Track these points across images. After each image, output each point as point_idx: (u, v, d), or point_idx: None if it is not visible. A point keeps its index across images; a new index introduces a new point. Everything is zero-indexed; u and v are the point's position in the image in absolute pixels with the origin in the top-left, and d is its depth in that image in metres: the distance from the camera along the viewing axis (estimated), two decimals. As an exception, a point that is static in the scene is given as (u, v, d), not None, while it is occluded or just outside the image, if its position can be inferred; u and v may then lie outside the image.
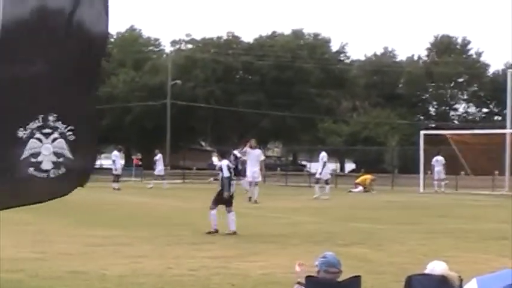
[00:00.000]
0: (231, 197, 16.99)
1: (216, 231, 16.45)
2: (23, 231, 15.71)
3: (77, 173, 7.06)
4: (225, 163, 17.24)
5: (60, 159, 6.91)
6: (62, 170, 6.92)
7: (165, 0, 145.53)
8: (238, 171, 35.71)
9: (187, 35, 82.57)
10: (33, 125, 6.79)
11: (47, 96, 6.86)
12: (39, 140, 6.85)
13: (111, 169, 38.91)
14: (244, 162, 33.64)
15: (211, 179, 37.37)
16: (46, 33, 6.88)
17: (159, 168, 41.58)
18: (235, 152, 38.65)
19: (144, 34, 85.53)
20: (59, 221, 17.67)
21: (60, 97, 6.92)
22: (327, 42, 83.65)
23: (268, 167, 40.65)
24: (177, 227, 17.58)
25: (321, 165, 32.84)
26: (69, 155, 6.95)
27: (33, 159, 6.80)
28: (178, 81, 73.46)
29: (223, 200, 16.82)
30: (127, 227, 17.43)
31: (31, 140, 6.81)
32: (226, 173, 16.87)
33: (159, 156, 42.05)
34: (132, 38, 79.53)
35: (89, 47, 7.07)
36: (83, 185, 7.30)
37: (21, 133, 6.77)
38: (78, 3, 7.08)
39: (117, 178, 37.94)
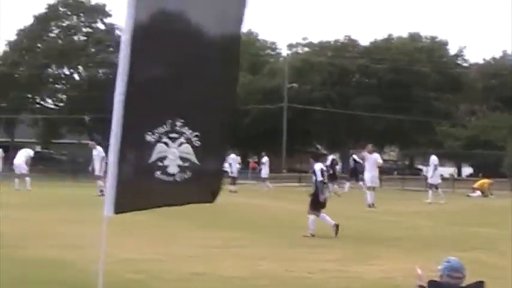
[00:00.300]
0: (325, 200, 16.97)
1: (313, 235, 16.40)
2: (145, 233, 16.14)
3: (204, 178, 7.24)
4: (318, 167, 17.16)
5: (186, 164, 7.11)
6: (188, 175, 7.12)
7: (282, 4, 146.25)
8: (334, 175, 36.01)
9: (303, 39, 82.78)
10: (161, 129, 7.03)
11: (175, 102, 7.08)
12: (166, 144, 7.08)
13: (227, 172, 39.51)
14: (361, 167, 33.47)
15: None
16: (173, 38, 7.10)
17: (264, 171, 42.35)
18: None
19: (260, 37, 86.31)
20: (180, 223, 18.04)
21: (188, 103, 7.11)
22: (444, 45, 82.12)
23: (384, 171, 40.35)
24: (293, 229, 17.68)
25: (432, 169, 32.18)
26: (194, 160, 7.14)
27: (160, 163, 7.04)
28: (295, 85, 73.71)
29: (321, 204, 16.80)
30: (245, 229, 17.65)
31: (158, 144, 7.05)
32: (319, 177, 16.86)
33: (265, 160, 43.23)
34: (249, 41, 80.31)
35: (219, 51, 7.24)
36: (217, 193, 7.45)
37: (149, 137, 7.02)
38: (205, 8, 7.27)
39: (233, 181, 38.52)
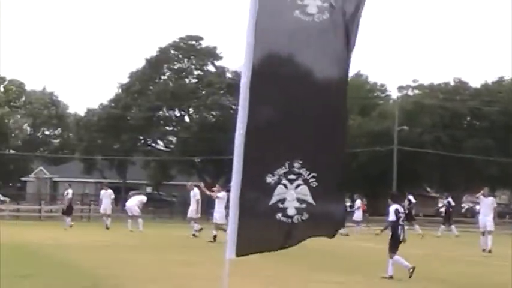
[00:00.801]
0: (400, 242, 16.84)
1: (391, 277, 16.31)
2: (256, 275, 16.16)
3: (320, 220, 7.22)
4: (393, 208, 17.07)
5: (303, 206, 7.12)
6: (305, 216, 7.12)
7: (392, 46, 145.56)
8: (411, 216, 35.69)
9: (414, 81, 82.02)
10: (280, 171, 7.07)
11: (293, 143, 7.12)
12: (285, 186, 7.11)
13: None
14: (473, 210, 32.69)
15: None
16: (286, 80, 7.18)
17: (357, 214, 43.01)
18: (410, 196, 38.44)
19: (370, 80, 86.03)
20: (292, 265, 17.99)
21: (305, 144, 7.15)
22: (558, 86, 79.72)
23: (496, 215, 39.37)
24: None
25: None
26: (311, 201, 7.14)
27: (280, 205, 7.07)
28: (405, 127, 72.94)
29: (397, 243, 16.75)
30: (357, 273, 17.44)
31: (278, 186, 7.09)
32: (392, 218, 16.86)
33: (358, 203, 43.54)
34: (358, 83, 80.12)
35: (332, 91, 7.27)
36: (334, 234, 7.42)
37: (269, 179, 7.06)
38: (316, 50, 7.34)
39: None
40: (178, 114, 77.39)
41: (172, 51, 76.54)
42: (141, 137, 77.11)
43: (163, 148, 78.74)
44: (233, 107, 72.75)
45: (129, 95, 75.55)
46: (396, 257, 16.67)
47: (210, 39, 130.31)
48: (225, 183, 77.07)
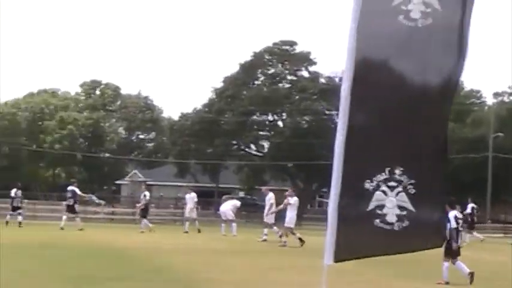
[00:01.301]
0: (459, 248, 16.89)
1: (447, 283, 16.40)
2: (351, 282, 16.06)
3: (422, 227, 7.15)
4: (452, 214, 17.04)
5: (404, 213, 7.06)
6: (406, 223, 7.06)
7: (488, 53, 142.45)
8: (473, 223, 34.81)
9: (510, 87, 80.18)
10: (380, 177, 7.03)
11: (394, 150, 7.07)
12: (384, 192, 7.06)
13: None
14: None
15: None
16: (386, 85, 7.11)
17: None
18: (472, 204, 37.39)
19: (465, 86, 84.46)
20: (381, 271, 17.81)
21: (406, 150, 7.08)
22: None
23: None
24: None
25: None
26: (411, 208, 7.08)
27: (379, 211, 7.03)
28: (501, 134, 71.32)
29: (454, 251, 16.75)
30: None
31: (377, 192, 7.05)
32: (453, 224, 16.81)
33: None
34: (454, 90, 78.61)
35: (434, 99, 7.16)
36: (439, 244, 7.35)
37: (368, 185, 7.03)
38: (418, 56, 7.25)
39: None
40: (272, 119, 77.64)
41: (266, 56, 76.88)
42: (234, 142, 77.66)
43: (256, 153, 79.13)
44: (326, 112, 72.58)
45: (223, 100, 76.23)
46: (457, 262, 16.85)
47: (304, 44, 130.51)
48: (317, 188, 77.18)
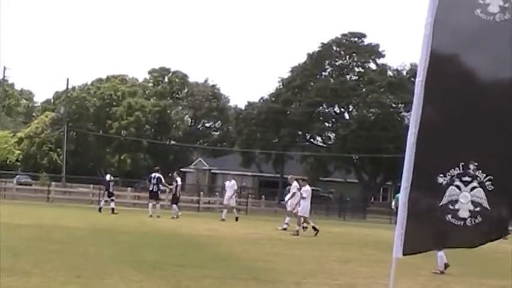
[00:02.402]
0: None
1: (442, 272, 16.68)
2: (416, 275, 15.98)
3: (492, 224, 7.09)
4: None
5: (477, 209, 7.00)
6: (478, 220, 7.00)
7: None
8: None
9: None
10: (454, 172, 6.97)
11: (470, 143, 7.01)
12: (458, 187, 7.01)
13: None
14: None
15: None
16: (459, 79, 7.08)
17: None
18: None
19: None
20: (455, 268, 17.68)
21: (483, 145, 7.02)
22: None
23: None
24: None
25: None
26: (486, 204, 7.01)
27: (451, 207, 6.98)
28: None
29: None
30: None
31: (450, 187, 7.00)
32: None
33: None
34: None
35: (508, 94, 7.08)
36: (503, 236, 7.31)
37: (441, 179, 6.99)
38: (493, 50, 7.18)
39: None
40: (338, 111, 77.44)
41: (335, 47, 76.68)
42: (300, 132, 77.73)
43: (321, 144, 79.04)
44: (393, 105, 72.02)
45: (290, 90, 76.32)
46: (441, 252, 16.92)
47: (373, 36, 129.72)
48: (382, 181, 76.69)
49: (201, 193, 54.16)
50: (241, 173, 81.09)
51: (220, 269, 14.93)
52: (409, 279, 14.88)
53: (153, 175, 35.06)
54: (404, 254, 7.18)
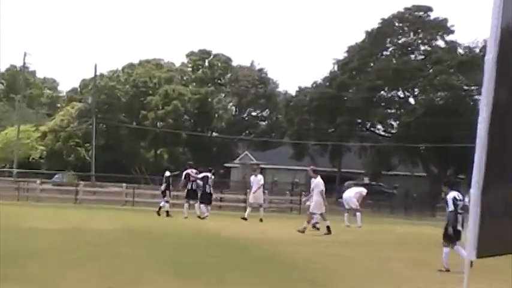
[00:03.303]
0: (457, 232, 17.20)
1: (448, 270, 16.73)
2: (492, 280, 15.91)
3: None
4: (451, 195, 17.52)
5: None
6: None
7: None
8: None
9: None
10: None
11: None
12: None
13: None
14: None
15: None
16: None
17: None
18: None
19: None
20: None
21: None
22: None
23: None
24: None
25: None
26: None
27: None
28: None
29: (449, 236, 17.25)
30: None
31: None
32: (450, 207, 17.29)
33: None
34: None
35: None
36: None
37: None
38: None
39: None
40: (402, 95, 77.04)
41: (397, 24, 76.22)
42: (359, 120, 77.51)
43: (383, 133, 78.72)
44: (465, 87, 71.37)
45: (346, 73, 76.13)
46: (456, 246, 17.11)
47: (440, 10, 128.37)
48: (453, 174, 76.09)
49: (248, 191, 54.22)
50: (293, 167, 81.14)
51: (270, 270, 15.15)
52: (486, 285, 14.83)
53: (186, 172, 35.43)
54: (478, 257, 7.16)
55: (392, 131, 77.54)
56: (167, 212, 34.85)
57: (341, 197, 39.10)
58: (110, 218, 31.65)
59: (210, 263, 15.95)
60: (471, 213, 7.13)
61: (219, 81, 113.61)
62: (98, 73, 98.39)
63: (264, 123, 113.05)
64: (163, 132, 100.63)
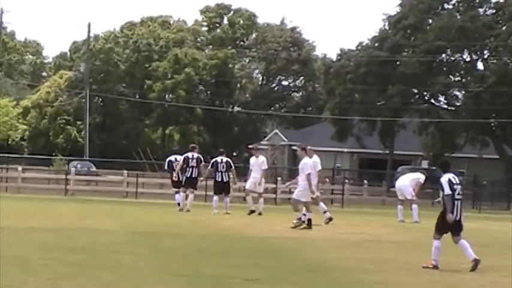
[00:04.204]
0: (458, 222, 17.93)
1: (435, 267, 17.74)
2: None
3: None
4: (445, 178, 17.99)
5: None
6: None
7: None
8: None
9: None
10: None
11: None
12: None
13: None
14: None
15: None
16: None
17: None
18: None
19: None
20: None
21: None
22: None
23: None
24: None
25: None
26: None
27: None
28: None
29: (447, 225, 17.88)
30: None
31: None
32: (446, 191, 17.83)
33: None
34: None
35: None
36: None
37: None
38: None
39: None
40: (468, 59, 76.64)
41: (462, -31, 75.77)
42: (415, 91, 77.24)
43: (445, 107, 78.42)
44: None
45: (400, 32, 75.81)
46: (461, 241, 18.10)
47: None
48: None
49: (279, 178, 54.26)
50: (334, 149, 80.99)
51: (308, 284, 15.03)
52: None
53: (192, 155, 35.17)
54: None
55: (457, 104, 77.23)
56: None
57: (393, 186, 38.98)
58: (108, 214, 31.68)
59: (231, 274, 15.82)
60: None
61: (241, 43, 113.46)
62: (91, 34, 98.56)
63: (298, 94, 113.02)
64: (173, 107, 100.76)
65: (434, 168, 76.90)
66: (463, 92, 76.28)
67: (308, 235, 25.97)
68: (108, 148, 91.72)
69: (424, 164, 77.44)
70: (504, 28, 72.59)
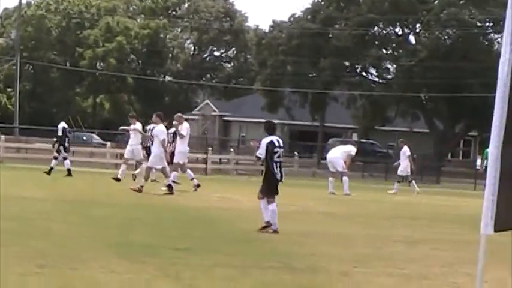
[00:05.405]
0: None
1: (268, 225, 18.52)
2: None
3: None
4: (267, 140, 18.67)
5: None
6: None
7: None
8: None
9: None
10: None
11: None
12: None
13: None
14: None
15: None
16: None
17: None
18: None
19: None
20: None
21: None
22: None
23: None
24: None
25: None
26: None
27: None
28: None
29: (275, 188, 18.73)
30: None
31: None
32: (262, 154, 18.54)
33: None
34: None
35: None
36: None
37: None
38: None
39: None
40: (400, 33, 77.04)
41: None
42: (347, 63, 77.46)
43: (376, 79, 78.79)
44: (478, 24, 71.47)
45: (332, 4, 75.91)
46: (271, 205, 18.57)
47: None
48: (463, 131, 76.41)
49: (210, 149, 54.25)
50: (265, 120, 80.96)
51: (239, 254, 15.06)
52: (503, 265, 14.93)
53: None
54: (496, 231, 7.24)
55: (389, 77, 77.63)
56: (68, 170, 35.60)
57: (324, 158, 39.13)
58: (39, 182, 31.47)
59: (161, 243, 15.84)
60: (488, 178, 7.16)
61: (173, 12, 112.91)
62: (23, 1, 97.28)
63: (229, 65, 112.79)
64: (104, 75, 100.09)
65: (364, 141, 77.67)
66: (395, 65, 76.74)
67: (241, 205, 26.06)
68: (39, 116, 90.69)
69: (355, 136, 77.90)
70: (436, 2, 73.02)
